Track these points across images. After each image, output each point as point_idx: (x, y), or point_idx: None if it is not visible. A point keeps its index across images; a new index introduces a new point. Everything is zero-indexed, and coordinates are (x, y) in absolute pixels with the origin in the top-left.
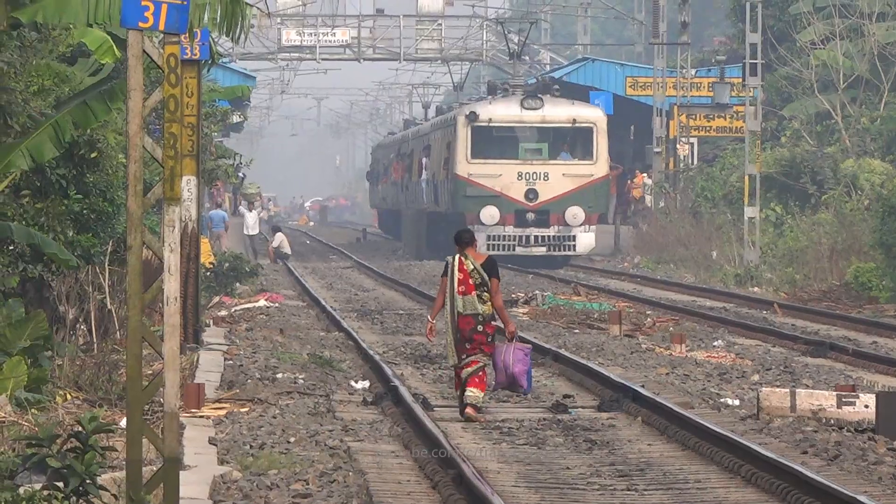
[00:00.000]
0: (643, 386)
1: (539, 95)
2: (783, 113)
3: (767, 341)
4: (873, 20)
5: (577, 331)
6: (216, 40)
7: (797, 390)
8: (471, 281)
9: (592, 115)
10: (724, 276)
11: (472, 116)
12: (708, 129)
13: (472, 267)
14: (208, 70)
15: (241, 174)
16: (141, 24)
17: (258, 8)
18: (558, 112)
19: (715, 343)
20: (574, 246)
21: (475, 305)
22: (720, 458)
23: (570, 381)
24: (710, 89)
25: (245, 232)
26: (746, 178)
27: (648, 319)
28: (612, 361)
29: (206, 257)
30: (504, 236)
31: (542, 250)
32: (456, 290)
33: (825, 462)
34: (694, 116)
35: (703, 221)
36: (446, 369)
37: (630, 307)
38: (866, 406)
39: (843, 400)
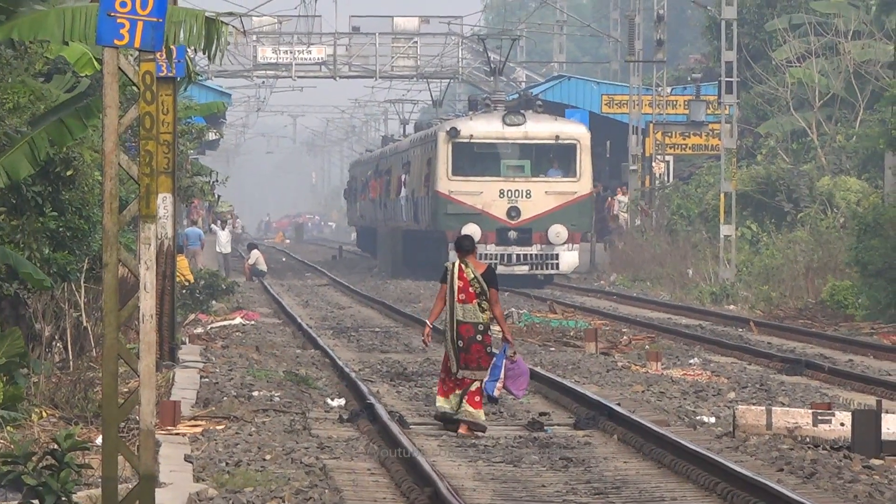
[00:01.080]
0: (619, 404)
1: (521, 111)
2: (759, 131)
3: (743, 359)
4: (849, 38)
5: (552, 348)
6: (192, 58)
7: (773, 408)
8: (471, 290)
9: (576, 131)
10: (699, 294)
11: (453, 132)
12: (684, 146)
13: (472, 276)
14: (185, 88)
15: (216, 192)
16: (116, 42)
17: (233, 26)
18: (541, 128)
19: (691, 361)
20: (557, 265)
21: (476, 314)
22: (696, 475)
23: (546, 398)
24: (686, 107)
25: (217, 249)
26: (722, 195)
27: (624, 337)
28: (587, 379)
29: (186, 273)
30: (485, 255)
31: (524, 269)
32: (456, 297)
33: (801, 480)
34: (670, 134)
35: (678, 239)
36: (422, 387)
37: (606, 325)
38: (842, 424)
39: (819, 418)
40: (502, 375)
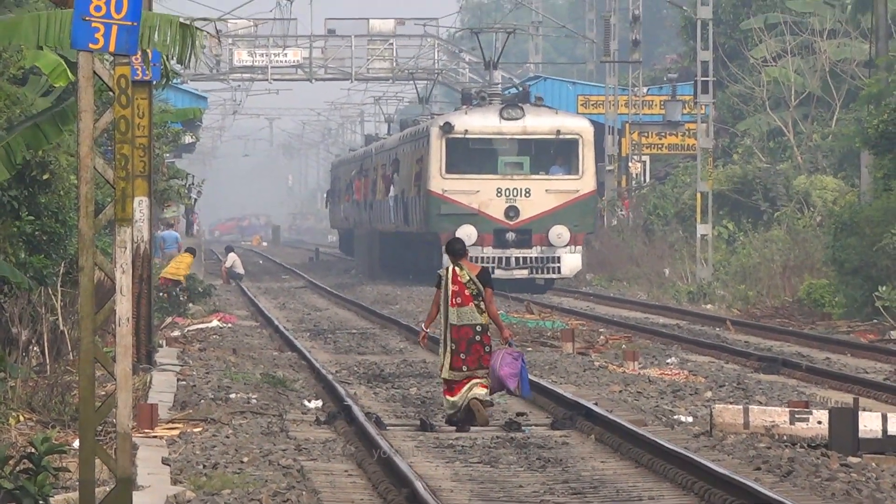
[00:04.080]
0: (596, 403)
1: (520, 104)
2: (735, 130)
3: (720, 358)
4: (824, 37)
5: (529, 349)
6: (169, 60)
7: (750, 407)
8: (467, 292)
9: (578, 125)
10: (676, 294)
11: (447, 128)
12: (660, 146)
13: (467, 278)
14: (163, 89)
15: (193, 195)
16: (91, 46)
17: (207, 32)
18: (541, 122)
19: (668, 360)
20: (559, 268)
21: (474, 316)
22: (673, 475)
23: (523, 398)
24: (662, 107)
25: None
26: (699, 195)
27: (601, 337)
28: (564, 379)
29: (185, 271)
30: (482, 258)
31: (523, 273)
32: (451, 301)
33: (778, 478)
34: (646, 134)
35: (655, 239)
36: (399, 388)
37: (583, 325)
38: (819, 422)
39: (796, 416)
40: (499, 364)
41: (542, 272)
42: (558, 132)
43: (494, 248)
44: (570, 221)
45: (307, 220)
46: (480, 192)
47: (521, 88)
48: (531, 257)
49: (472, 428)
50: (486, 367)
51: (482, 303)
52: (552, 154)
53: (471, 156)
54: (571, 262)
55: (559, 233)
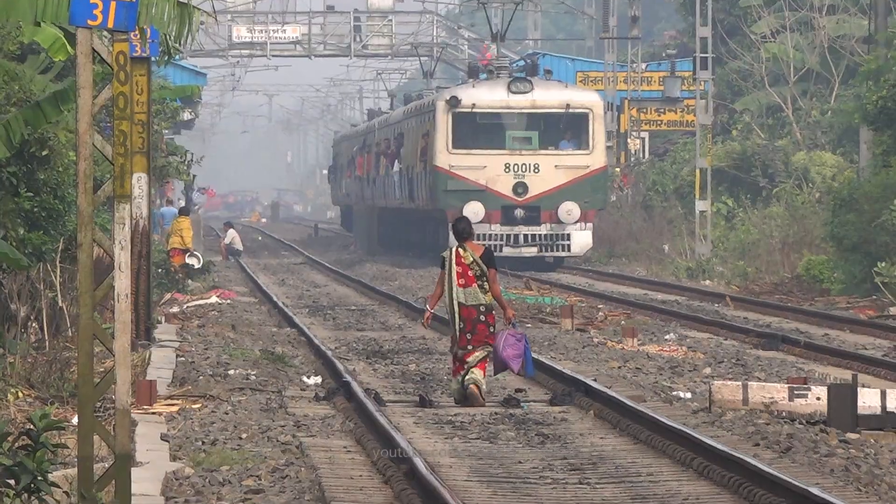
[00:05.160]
0: (595, 380)
1: (528, 78)
2: (734, 106)
3: (719, 334)
4: (823, 13)
5: (528, 325)
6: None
7: (749, 383)
8: (471, 273)
9: (588, 99)
10: (675, 270)
11: (454, 101)
12: (659, 123)
13: (471, 259)
14: (164, 66)
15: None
16: (90, 22)
17: (205, 11)
18: (550, 96)
19: (667, 336)
20: (569, 246)
21: (478, 296)
22: (672, 451)
23: (526, 378)
24: (661, 83)
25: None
26: (698, 171)
27: (600, 313)
28: (563, 356)
29: (189, 234)
30: (490, 235)
31: (532, 251)
32: (455, 282)
33: (777, 454)
34: (645, 111)
35: (654, 215)
36: (398, 365)
37: (582, 301)
38: (818, 398)
39: (795, 392)
40: (502, 345)
41: (552, 250)
42: (568, 106)
43: (502, 225)
44: (580, 198)
45: (307, 195)
46: (488, 168)
47: (529, 61)
48: (540, 234)
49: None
50: (491, 344)
51: (486, 283)
52: (561, 128)
53: (478, 130)
54: (581, 239)
55: (569, 209)
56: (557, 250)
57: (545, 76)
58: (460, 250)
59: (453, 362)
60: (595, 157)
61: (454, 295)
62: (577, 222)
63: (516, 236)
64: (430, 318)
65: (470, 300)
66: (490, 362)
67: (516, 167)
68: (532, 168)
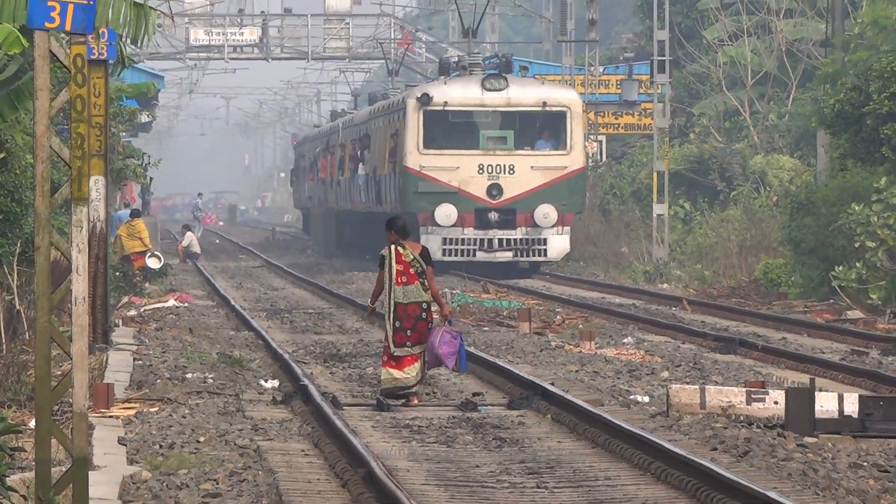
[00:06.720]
0: (552, 383)
1: (503, 75)
2: (692, 110)
3: (677, 338)
4: (781, 17)
5: (486, 328)
6: (124, 40)
7: (707, 387)
8: (412, 270)
9: (566, 97)
10: (633, 273)
11: (425, 99)
12: (616, 126)
13: (411, 257)
14: (119, 73)
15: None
16: (47, 24)
17: (162, 12)
18: (526, 94)
19: (624, 340)
20: (545, 251)
21: (420, 294)
22: (630, 455)
23: (479, 378)
24: (619, 87)
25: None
26: (655, 174)
27: (558, 317)
28: (521, 359)
29: (146, 235)
30: (463, 240)
31: (507, 256)
32: (396, 280)
33: (735, 458)
34: (602, 114)
35: (612, 219)
36: (356, 368)
37: (540, 304)
38: (776, 402)
39: (753, 396)
40: (437, 342)
41: (528, 255)
42: (544, 104)
43: (476, 228)
44: (557, 200)
45: (266, 199)
46: (461, 169)
47: (503, 58)
48: (515, 239)
49: (428, 407)
50: (426, 341)
51: (426, 280)
52: (538, 128)
53: (450, 129)
54: (559, 244)
55: (545, 212)
56: (533, 255)
57: (521, 73)
58: (400, 249)
59: (385, 355)
60: (573, 158)
61: (392, 294)
62: (554, 226)
63: (490, 241)
64: (373, 312)
65: (410, 297)
66: (422, 357)
67: (490, 168)
68: (507, 169)
